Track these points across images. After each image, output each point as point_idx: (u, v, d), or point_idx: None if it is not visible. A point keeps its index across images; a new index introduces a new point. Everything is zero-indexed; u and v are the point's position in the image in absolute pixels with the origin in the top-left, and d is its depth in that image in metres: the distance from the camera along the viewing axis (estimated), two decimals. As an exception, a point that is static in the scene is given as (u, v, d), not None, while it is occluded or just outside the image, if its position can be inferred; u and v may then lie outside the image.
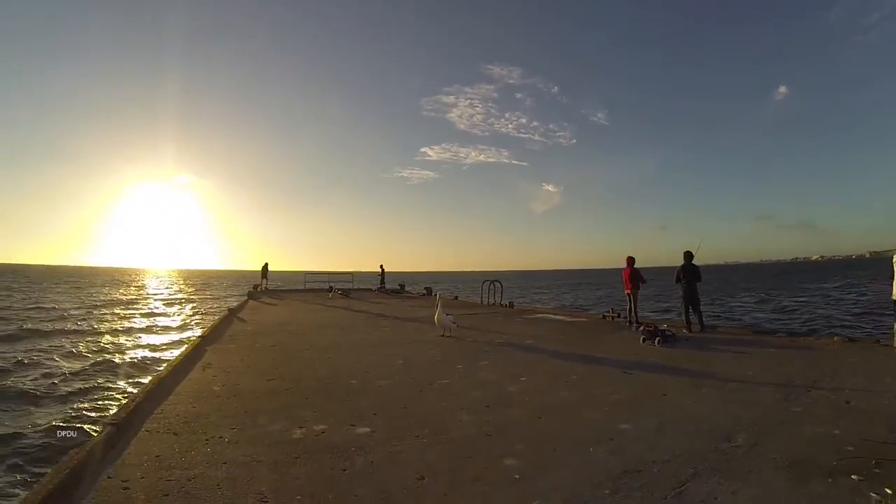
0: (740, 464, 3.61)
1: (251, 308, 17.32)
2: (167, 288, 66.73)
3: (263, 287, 26.03)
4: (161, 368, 7.27)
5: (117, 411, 4.75)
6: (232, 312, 15.16)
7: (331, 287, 25.90)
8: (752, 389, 5.73)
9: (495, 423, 4.63)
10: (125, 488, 3.30)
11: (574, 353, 8.22)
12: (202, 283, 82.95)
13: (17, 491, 5.68)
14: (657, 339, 8.79)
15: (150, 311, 31.24)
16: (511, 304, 18.45)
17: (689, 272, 10.43)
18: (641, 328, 9.48)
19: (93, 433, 5.63)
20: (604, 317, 13.69)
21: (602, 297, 47.22)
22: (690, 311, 10.37)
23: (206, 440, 4.10)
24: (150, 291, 56.85)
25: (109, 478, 3.44)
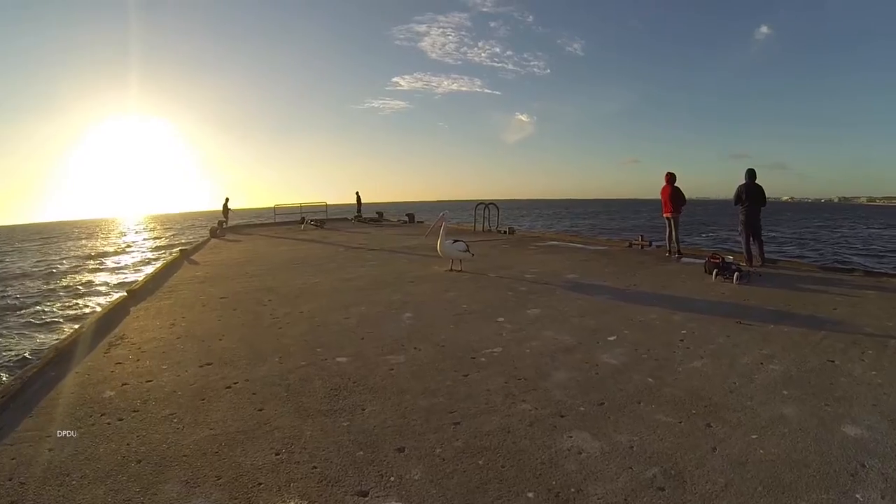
0: None
1: (211, 247, 14.38)
2: (132, 235, 62.32)
3: (226, 225, 22.87)
4: (38, 359, 4.60)
5: None
6: (184, 254, 12.28)
7: (302, 218, 22.82)
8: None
9: (649, 452, 2.32)
10: None
11: (645, 294, 5.97)
12: (175, 227, 76.88)
13: None
14: (735, 274, 6.61)
15: (107, 264, 28.07)
16: (511, 230, 16.03)
17: (753, 193, 8.06)
18: (706, 261, 7.28)
19: None
20: (630, 244, 11.40)
21: (589, 225, 46.00)
22: (751, 240, 8.15)
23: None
24: (112, 241, 52.90)
25: None
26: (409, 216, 23.90)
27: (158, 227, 74.80)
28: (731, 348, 3.84)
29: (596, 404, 2.85)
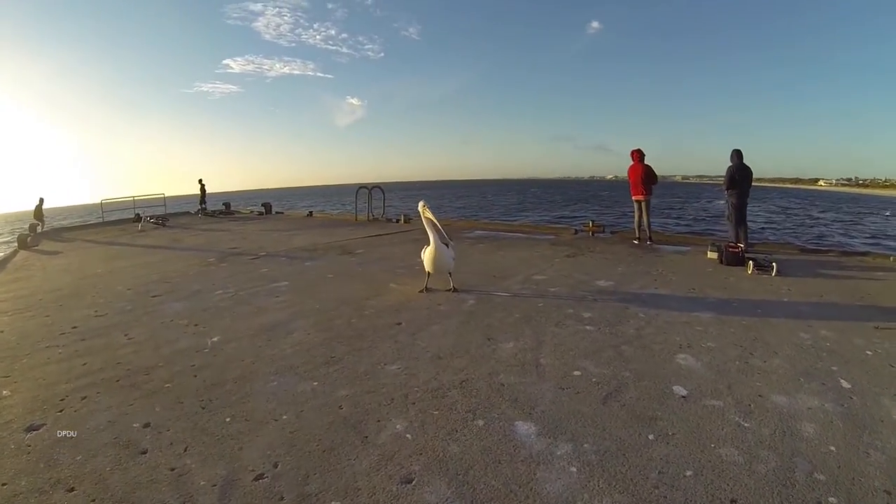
0: None
1: (17, 268, 8.86)
2: None
3: (41, 229, 16.01)
4: None
5: None
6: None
7: (138, 215, 16.48)
8: None
9: None
10: None
11: (729, 303, 4.52)
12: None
13: None
14: (773, 266, 5.78)
15: None
16: (407, 219, 13.52)
17: (745, 175, 7.05)
18: (721, 251, 6.39)
19: None
20: (576, 232, 9.94)
21: (462, 206, 44.46)
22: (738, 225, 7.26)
23: None
24: None
25: None
26: (266, 206, 19.49)
27: None
28: None
29: None
